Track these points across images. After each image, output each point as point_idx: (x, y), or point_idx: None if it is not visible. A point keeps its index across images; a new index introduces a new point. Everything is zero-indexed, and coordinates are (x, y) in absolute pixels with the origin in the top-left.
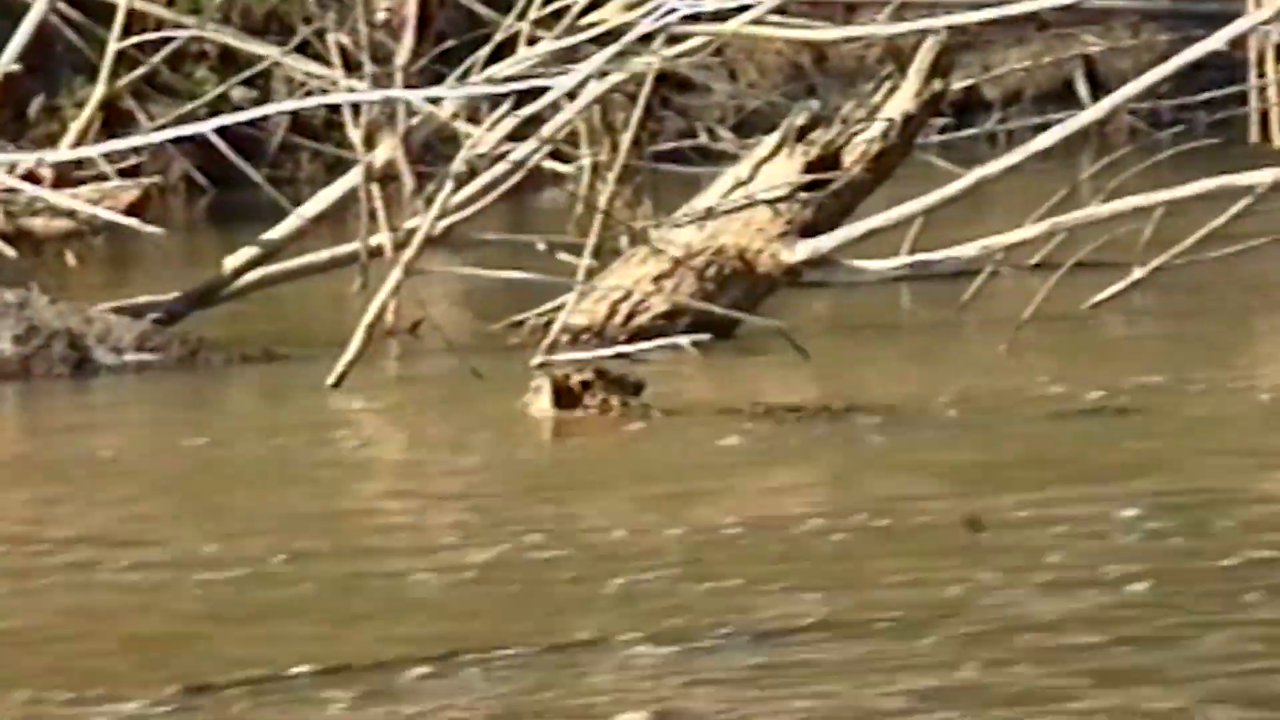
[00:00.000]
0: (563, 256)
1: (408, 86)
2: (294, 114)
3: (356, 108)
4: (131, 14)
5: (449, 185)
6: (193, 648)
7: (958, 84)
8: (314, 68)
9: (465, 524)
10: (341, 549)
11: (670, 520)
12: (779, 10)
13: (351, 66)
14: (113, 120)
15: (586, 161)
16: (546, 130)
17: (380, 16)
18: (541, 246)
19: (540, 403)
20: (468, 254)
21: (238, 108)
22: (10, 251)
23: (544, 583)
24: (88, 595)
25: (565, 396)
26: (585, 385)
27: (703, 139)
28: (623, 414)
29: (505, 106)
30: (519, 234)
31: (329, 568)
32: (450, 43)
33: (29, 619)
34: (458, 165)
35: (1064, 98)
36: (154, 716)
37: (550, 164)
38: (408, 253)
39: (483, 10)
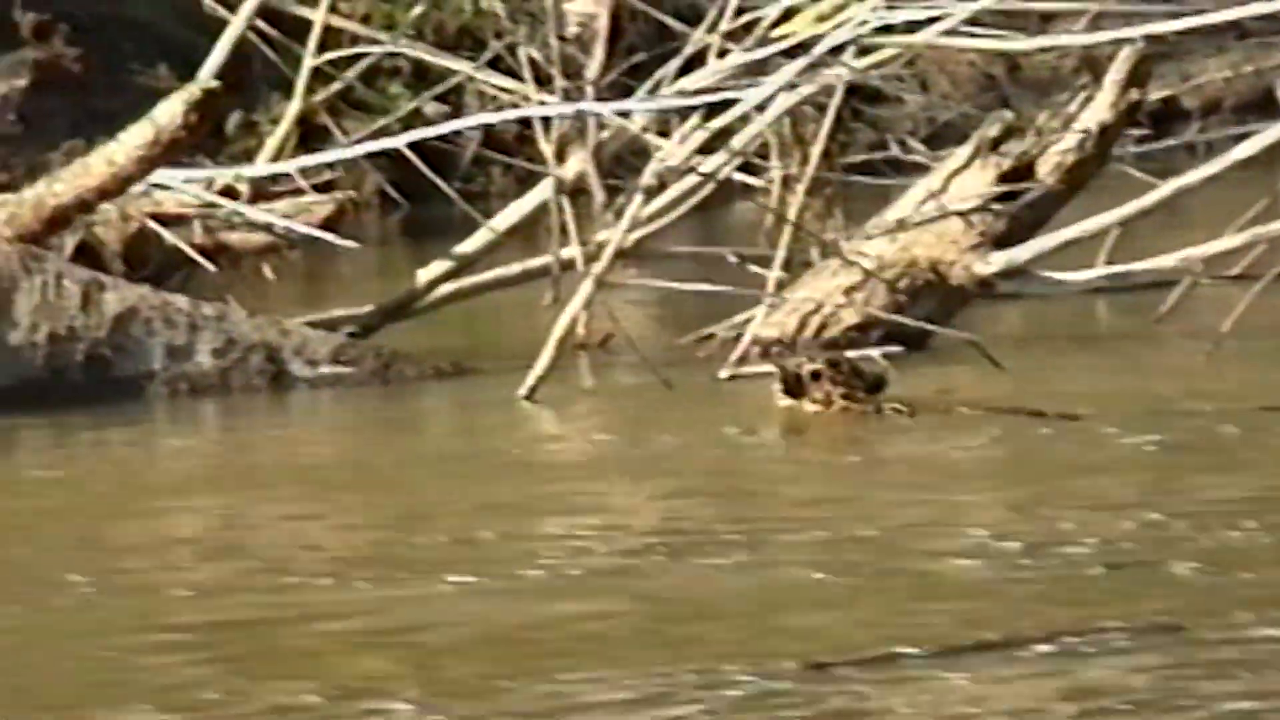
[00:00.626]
0: (753, 269)
1: (598, 100)
2: (487, 128)
3: (547, 122)
4: (327, 30)
5: (639, 198)
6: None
7: (1155, 94)
8: (506, 82)
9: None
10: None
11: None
12: (972, 21)
13: (543, 81)
14: (308, 136)
15: (777, 174)
16: (736, 142)
17: (572, 30)
18: (732, 259)
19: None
20: (659, 267)
21: (430, 123)
22: (209, 265)
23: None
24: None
25: (794, 386)
26: (815, 376)
27: (894, 151)
28: (847, 410)
29: (695, 119)
30: (710, 247)
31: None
32: (641, 56)
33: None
34: (647, 178)
35: (1265, 107)
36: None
37: (741, 177)
38: (598, 266)
39: (674, 24)
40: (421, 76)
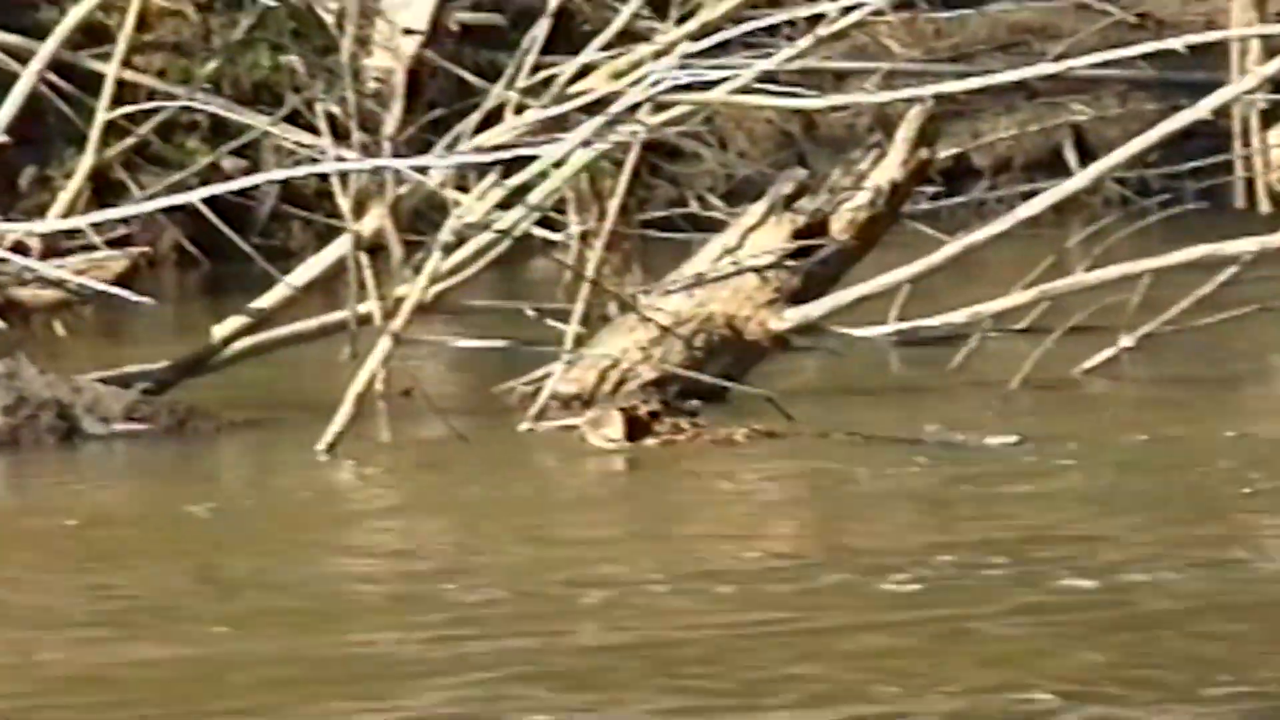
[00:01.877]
0: (552, 323)
1: (396, 155)
2: (285, 184)
3: (345, 177)
4: (122, 84)
5: (437, 254)
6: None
7: (946, 152)
8: (304, 137)
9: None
10: None
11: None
12: (767, 79)
13: (341, 135)
14: (104, 190)
15: (575, 229)
16: (534, 198)
17: (370, 86)
18: (531, 313)
19: (610, 432)
20: (458, 321)
21: (228, 178)
22: None
23: None
24: None
25: (636, 426)
26: (653, 415)
27: (693, 207)
28: (698, 437)
29: (493, 175)
30: (509, 301)
31: None
32: (440, 111)
33: None
34: (445, 234)
35: (1053, 166)
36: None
37: (541, 232)
38: (396, 321)
39: (473, 79)
40: (219, 131)
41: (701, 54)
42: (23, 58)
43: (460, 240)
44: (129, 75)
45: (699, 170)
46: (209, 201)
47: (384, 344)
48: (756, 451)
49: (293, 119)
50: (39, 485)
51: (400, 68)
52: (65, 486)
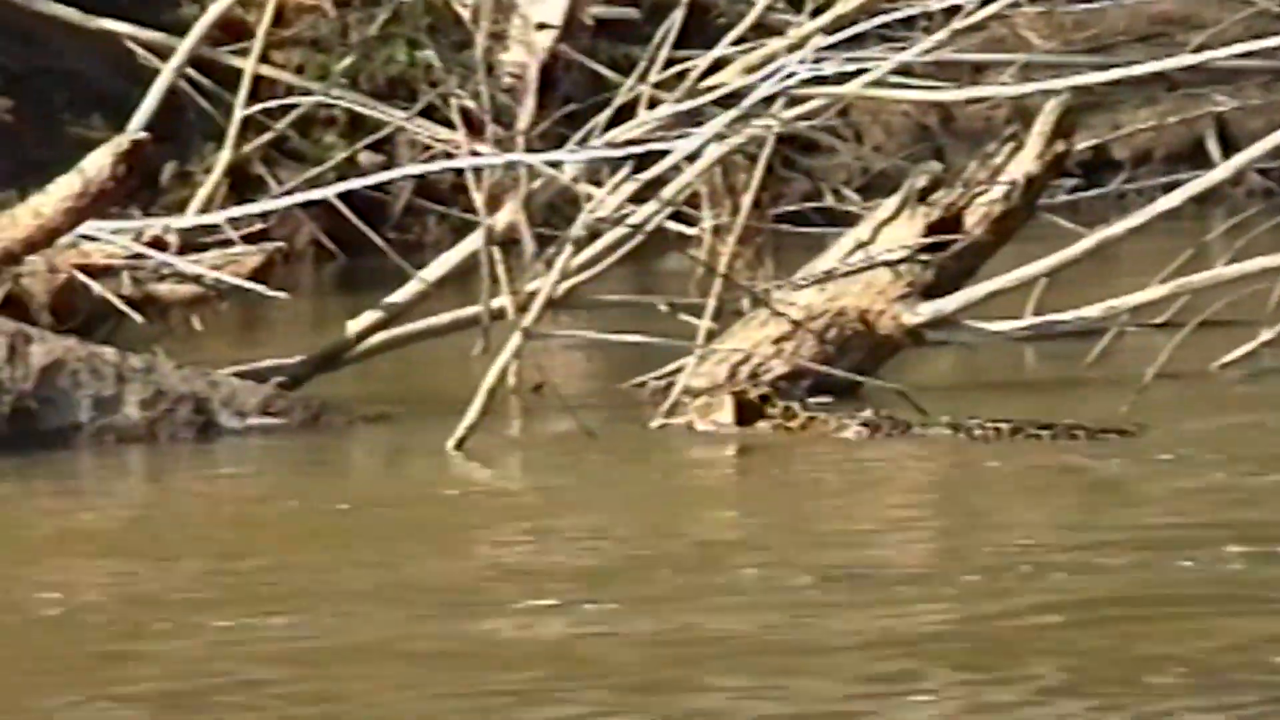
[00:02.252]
0: (685, 318)
1: (530, 150)
2: (420, 178)
3: (479, 171)
4: (261, 81)
5: (569, 249)
6: None
7: (1087, 144)
8: (440, 131)
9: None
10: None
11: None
12: (902, 71)
13: (477, 130)
14: (243, 186)
15: (708, 224)
16: (667, 193)
17: (505, 80)
18: (663, 308)
19: (720, 417)
20: (591, 316)
21: (366, 173)
22: (137, 317)
23: None
24: None
25: (746, 411)
26: (763, 399)
27: (828, 200)
28: (809, 425)
29: (626, 169)
30: (643, 296)
31: None
32: (574, 106)
33: None
34: (577, 229)
35: (1195, 157)
36: None
37: (675, 226)
38: (529, 316)
39: (608, 73)
40: (357, 127)
41: (835, 47)
42: (163, 55)
43: (593, 235)
44: (267, 71)
45: (834, 164)
46: (345, 196)
47: (515, 339)
48: (872, 443)
49: (429, 114)
50: (252, 474)
51: (533, 62)
52: (289, 474)
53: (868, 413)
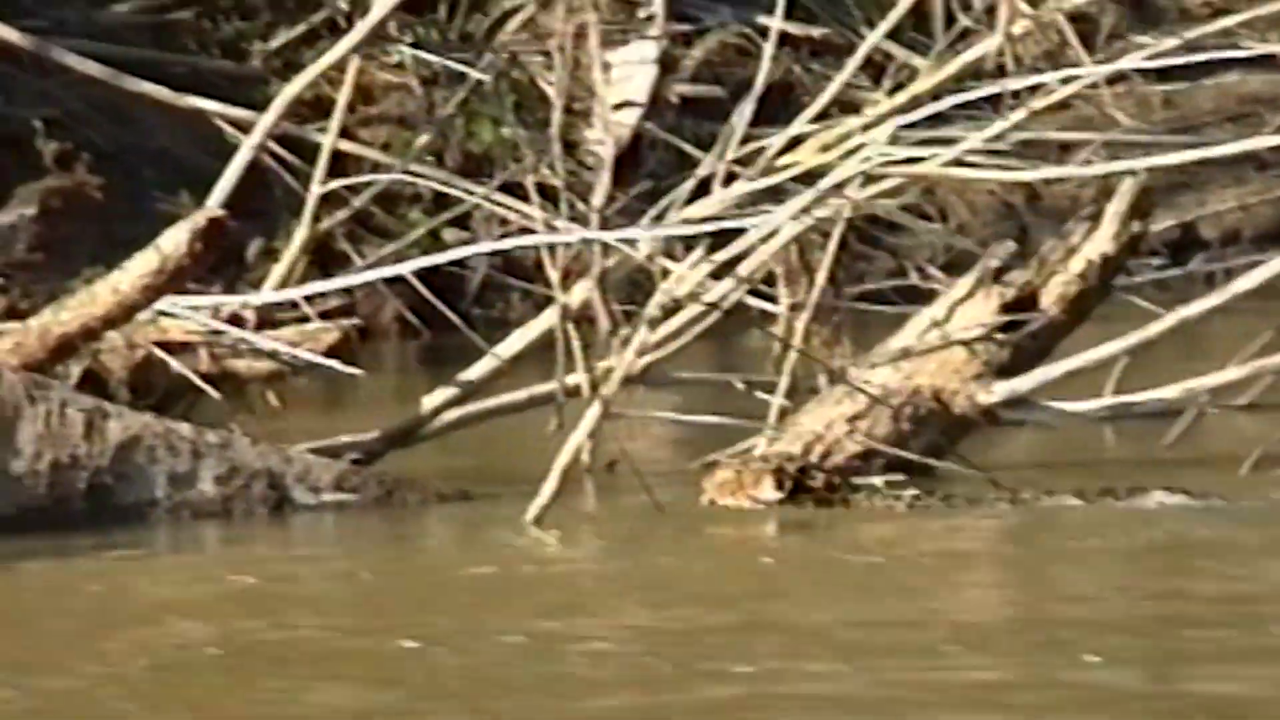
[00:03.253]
0: (762, 396)
1: (604, 227)
2: (503, 254)
3: (554, 248)
4: (345, 157)
5: (644, 327)
6: None
7: (1173, 223)
8: (524, 207)
9: None
10: None
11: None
12: (986, 150)
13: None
14: (327, 261)
15: (785, 301)
16: (743, 270)
17: (590, 157)
18: (740, 386)
19: (761, 494)
20: (668, 393)
21: (443, 249)
22: (214, 393)
23: None
24: None
25: (787, 484)
26: (802, 471)
27: (913, 278)
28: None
29: (701, 247)
30: (728, 373)
31: None
32: (654, 184)
33: None
34: (653, 308)
35: None
36: None
37: (758, 303)
38: (604, 393)
39: (692, 150)
40: (442, 204)
41: (917, 124)
42: (248, 131)
43: (670, 312)
44: (349, 147)
45: (919, 242)
46: (430, 273)
47: (591, 416)
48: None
49: (511, 191)
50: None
51: (609, 139)
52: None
53: (911, 492)
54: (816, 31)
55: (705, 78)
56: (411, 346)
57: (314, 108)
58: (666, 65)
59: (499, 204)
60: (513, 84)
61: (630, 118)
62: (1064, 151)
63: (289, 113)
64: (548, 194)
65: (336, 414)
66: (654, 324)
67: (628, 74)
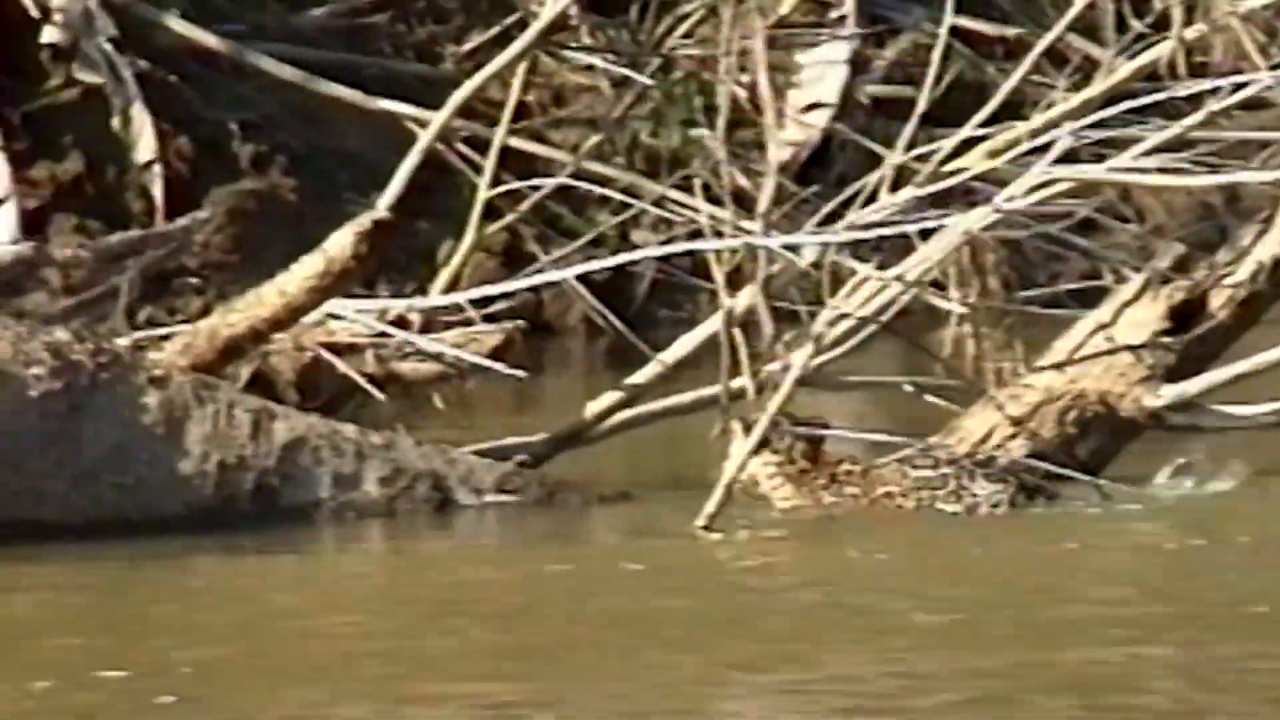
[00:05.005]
0: (931, 399)
1: (768, 232)
2: (690, 254)
3: (721, 251)
4: (536, 159)
5: (814, 334)
6: None
7: None
8: (695, 208)
9: None
10: None
11: None
12: (1184, 148)
13: (747, 208)
14: (518, 262)
15: (956, 304)
16: (911, 274)
17: (780, 158)
18: (909, 388)
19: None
20: (840, 396)
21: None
22: (380, 395)
23: None
24: None
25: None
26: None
27: (1108, 280)
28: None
29: (871, 252)
30: (893, 377)
31: None
32: (812, 190)
33: None
34: (822, 321)
35: None
36: None
37: (941, 303)
38: (771, 398)
39: (883, 152)
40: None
41: (1102, 124)
42: (443, 135)
43: (840, 316)
44: (540, 150)
45: (1113, 243)
46: (616, 272)
47: (760, 420)
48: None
49: (693, 192)
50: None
51: (774, 145)
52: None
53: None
54: (1010, 32)
55: (897, 78)
56: (597, 347)
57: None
58: (858, 66)
59: (666, 205)
60: (701, 86)
61: (820, 119)
62: (1264, 149)
63: (480, 115)
64: (739, 198)
65: (525, 413)
66: (820, 338)
67: (818, 75)
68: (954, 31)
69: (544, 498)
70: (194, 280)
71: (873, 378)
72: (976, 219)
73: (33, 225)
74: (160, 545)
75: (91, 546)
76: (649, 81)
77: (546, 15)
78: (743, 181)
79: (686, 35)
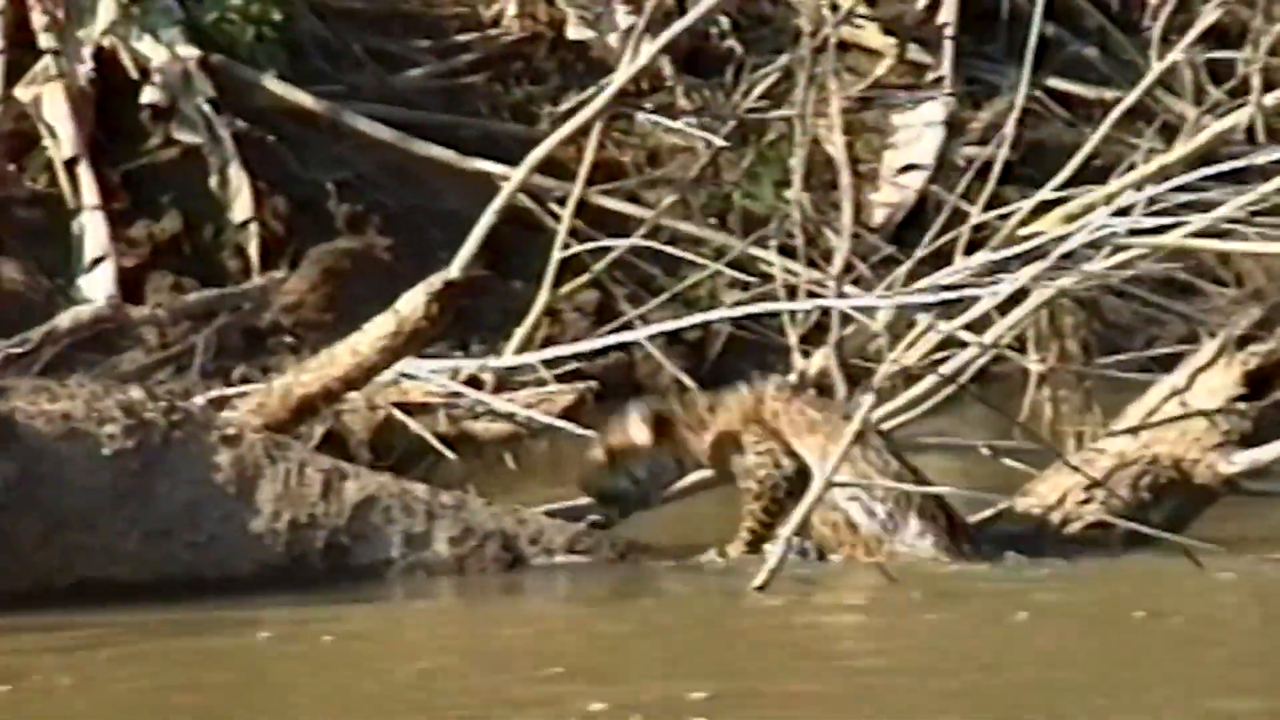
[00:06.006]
0: (1008, 462)
1: (842, 293)
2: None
3: (797, 312)
4: (628, 220)
5: (871, 394)
6: None
7: None
8: (797, 267)
9: None
10: None
11: None
12: (1244, 221)
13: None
14: (609, 322)
15: (1034, 367)
16: (989, 337)
17: (876, 220)
18: (985, 451)
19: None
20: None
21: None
22: (451, 455)
23: None
24: None
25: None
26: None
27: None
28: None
29: (931, 315)
30: (1000, 438)
31: None
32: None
33: None
34: (880, 377)
35: None
36: None
37: (1029, 364)
38: (831, 461)
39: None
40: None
41: (1182, 188)
42: (536, 195)
43: (915, 378)
44: (631, 209)
45: (1211, 307)
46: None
47: (819, 484)
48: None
49: (789, 253)
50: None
51: (846, 205)
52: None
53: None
54: (1108, 94)
55: (993, 140)
56: None
57: (598, 170)
58: (954, 128)
59: (753, 266)
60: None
61: (916, 180)
62: None
63: (574, 175)
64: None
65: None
66: (882, 390)
67: (914, 136)
68: (1050, 93)
69: (615, 558)
70: (288, 339)
71: (949, 439)
72: (1056, 284)
73: (130, 284)
74: (231, 603)
75: (162, 604)
76: (722, 142)
77: (620, 78)
78: (834, 243)
79: (765, 96)
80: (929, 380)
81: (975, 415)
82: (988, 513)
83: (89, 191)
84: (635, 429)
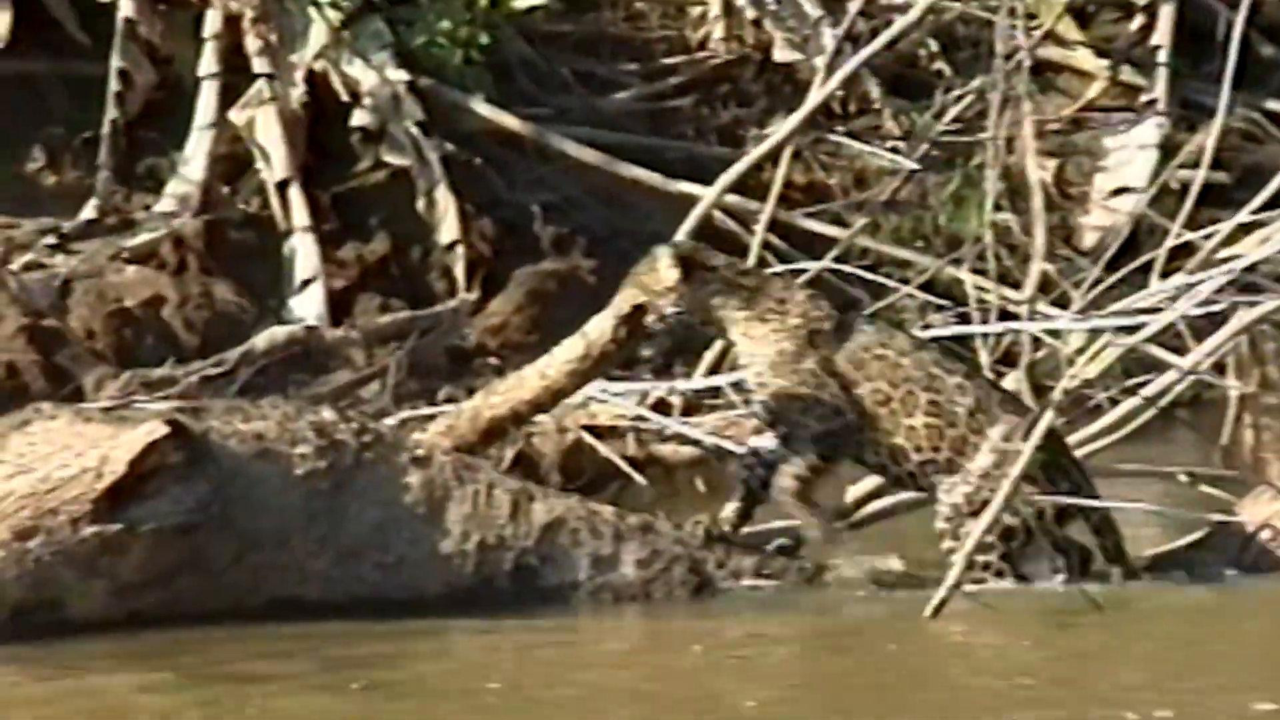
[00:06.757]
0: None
1: (1034, 316)
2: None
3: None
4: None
5: (1049, 415)
6: None
7: None
8: (990, 287)
9: None
10: None
11: None
12: None
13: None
14: None
15: (1234, 393)
16: (1187, 361)
17: (1086, 243)
18: (1183, 479)
19: None
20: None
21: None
22: (640, 478)
23: None
24: None
25: None
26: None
27: None
28: None
29: (1108, 335)
30: (1168, 467)
31: None
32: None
33: None
34: (1057, 394)
35: None
36: None
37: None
38: (1006, 482)
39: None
40: (925, 288)
41: None
42: (740, 217)
43: (1113, 401)
44: (836, 232)
45: None
46: None
47: (993, 508)
48: None
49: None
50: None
51: (1039, 228)
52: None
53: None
54: None
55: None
56: None
57: (806, 193)
58: (1167, 150)
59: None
60: (1004, 171)
61: (1127, 203)
62: None
63: (782, 199)
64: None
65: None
66: (1059, 413)
67: (1127, 159)
68: (1270, 115)
69: (802, 584)
70: (493, 360)
71: (1149, 466)
72: (1256, 310)
73: (339, 305)
74: (421, 624)
75: (355, 624)
76: (914, 165)
77: (813, 100)
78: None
79: (966, 119)
80: (1129, 404)
81: (1186, 439)
82: (1190, 537)
83: (300, 213)
84: (665, 270)
